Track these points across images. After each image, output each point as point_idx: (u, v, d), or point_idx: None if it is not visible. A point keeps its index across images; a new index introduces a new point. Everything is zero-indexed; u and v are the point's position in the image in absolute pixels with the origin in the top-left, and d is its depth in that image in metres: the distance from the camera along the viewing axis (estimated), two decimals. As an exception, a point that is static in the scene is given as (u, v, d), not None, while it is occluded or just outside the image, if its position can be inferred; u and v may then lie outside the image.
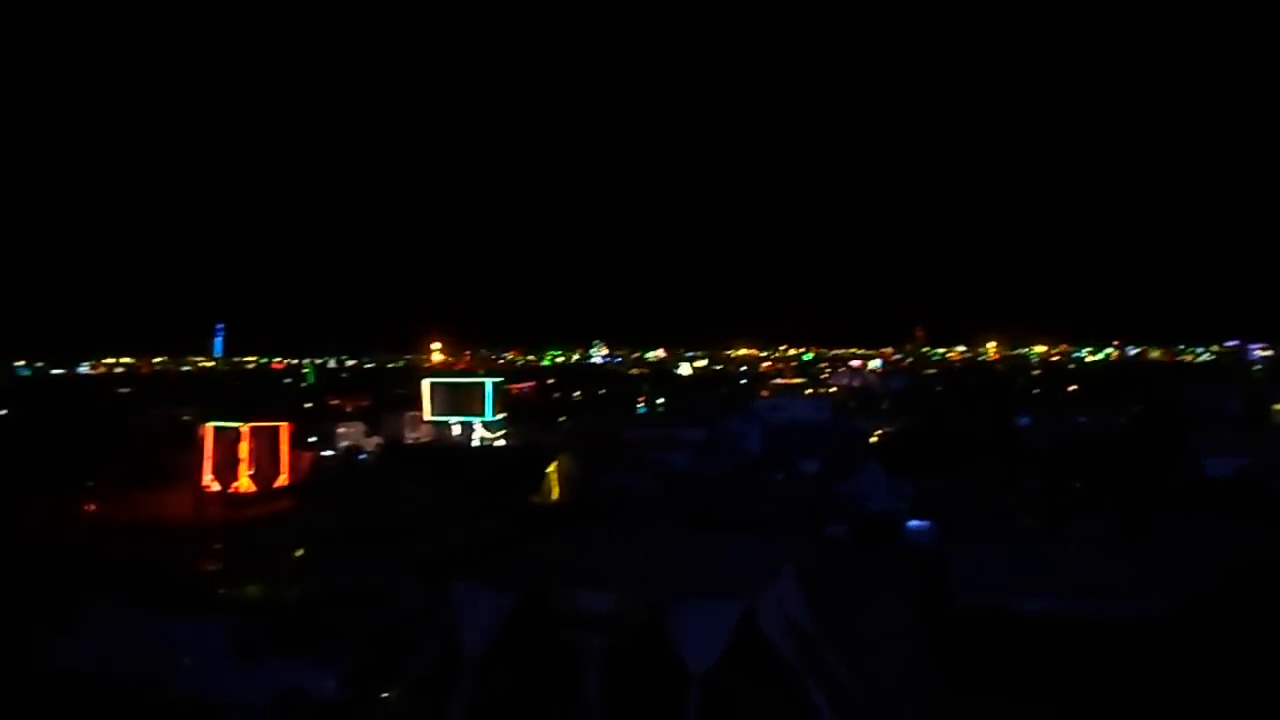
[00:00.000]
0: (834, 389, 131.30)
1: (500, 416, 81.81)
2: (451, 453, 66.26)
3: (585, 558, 25.63)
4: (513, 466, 54.09)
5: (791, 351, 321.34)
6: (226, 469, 58.53)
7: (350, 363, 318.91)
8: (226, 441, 59.03)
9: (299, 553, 38.10)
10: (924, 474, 49.37)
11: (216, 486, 57.52)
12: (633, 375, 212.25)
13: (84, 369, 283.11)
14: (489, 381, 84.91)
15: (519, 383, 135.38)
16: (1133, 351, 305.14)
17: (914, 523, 42.17)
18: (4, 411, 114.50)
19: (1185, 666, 22.48)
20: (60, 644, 26.00)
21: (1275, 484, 42.41)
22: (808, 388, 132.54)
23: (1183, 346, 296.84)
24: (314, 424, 75.97)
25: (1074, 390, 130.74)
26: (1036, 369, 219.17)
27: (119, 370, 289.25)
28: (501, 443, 76.49)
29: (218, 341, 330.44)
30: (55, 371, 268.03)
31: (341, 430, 74.86)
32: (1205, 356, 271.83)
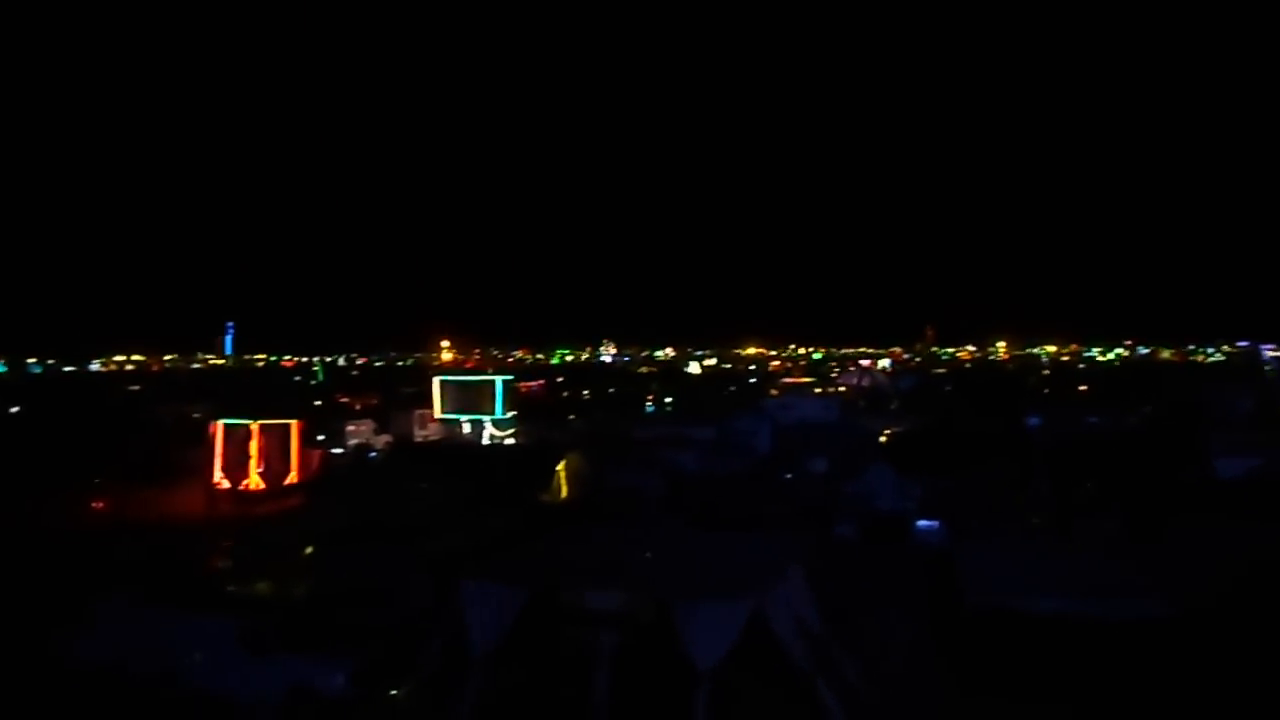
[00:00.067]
0: (843, 388, 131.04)
1: (510, 415, 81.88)
2: (461, 451, 66.41)
3: (594, 556, 25.64)
4: (522, 464, 54.19)
5: (801, 350, 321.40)
6: (236, 466, 58.64)
7: (360, 361, 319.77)
8: (236, 439, 59.13)
9: (308, 550, 38.21)
10: (933, 474, 49.27)
11: (226, 484, 57.64)
12: (641, 374, 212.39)
13: (95, 366, 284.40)
14: (499, 379, 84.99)
15: (528, 381, 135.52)
16: (1143, 351, 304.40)
17: (923, 522, 42.07)
18: (16, 408, 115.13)
19: (1195, 667, 22.41)
20: (72, 639, 26.13)
21: (1287, 485, 42.19)
22: (817, 387, 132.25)
23: (1193, 347, 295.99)
24: (324, 422, 76.10)
25: (1084, 390, 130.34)
26: (1047, 369, 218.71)
27: (129, 367, 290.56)
28: (511, 441, 76.55)
29: (228, 339, 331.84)
30: (66, 368, 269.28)
31: (351, 428, 74.97)
32: (1216, 357, 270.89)
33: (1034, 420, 75.77)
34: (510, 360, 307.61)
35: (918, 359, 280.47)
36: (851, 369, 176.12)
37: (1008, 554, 31.44)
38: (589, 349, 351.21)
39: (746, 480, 52.58)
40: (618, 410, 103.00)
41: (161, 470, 59.68)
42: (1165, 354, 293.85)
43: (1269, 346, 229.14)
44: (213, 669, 23.90)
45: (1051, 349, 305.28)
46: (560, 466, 52.12)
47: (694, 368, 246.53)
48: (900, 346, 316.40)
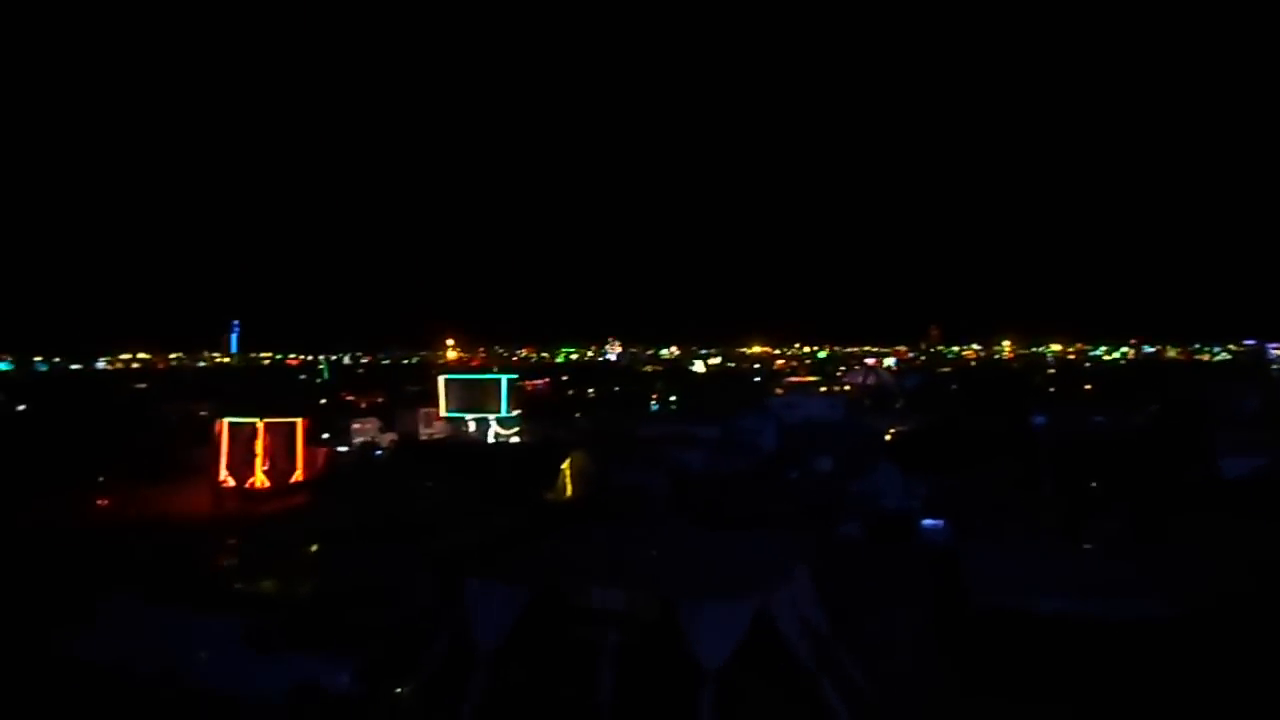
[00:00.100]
0: (848, 387, 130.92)
1: (515, 413, 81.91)
2: (466, 449, 66.37)
3: (599, 555, 25.64)
4: (527, 463, 54.11)
5: (806, 349, 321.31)
6: (242, 464, 58.71)
7: (365, 359, 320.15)
8: (242, 437, 59.22)
9: (313, 548, 38.26)
10: (939, 473, 49.20)
11: (232, 482, 57.73)
12: (647, 372, 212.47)
13: (101, 364, 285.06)
14: (504, 378, 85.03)
15: (533, 380, 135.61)
16: (1149, 350, 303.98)
17: (928, 521, 42.03)
18: (22, 406, 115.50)
19: (1200, 668, 22.37)
20: (76, 638, 26.19)
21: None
22: (822, 386, 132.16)
23: (1199, 346, 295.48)
24: (329, 420, 76.19)
25: (1090, 389, 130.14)
26: (1052, 368, 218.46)
27: (135, 366, 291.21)
28: (516, 439, 76.57)
29: (233, 338, 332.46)
30: (73, 367, 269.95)
31: (356, 426, 75.06)
32: (1222, 356, 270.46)
33: (1039, 419, 75.64)
34: (515, 359, 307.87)
35: (923, 358, 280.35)
36: (857, 368, 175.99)
37: (1013, 554, 31.40)
38: (594, 347, 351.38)
39: (751, 479, 52.54)
40: (623, 409, 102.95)
41: (167, 468, 59.88)
42: (1171, 353, 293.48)
43: (1275, 345, 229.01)
44: (217, 667, 23.94)
45: (1057, 348, 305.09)
46: (565, 465, 52.12)
47: (699, 366, 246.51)
48: (905, 345, 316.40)
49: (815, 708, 21.10)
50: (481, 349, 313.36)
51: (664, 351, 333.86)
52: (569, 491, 51.28)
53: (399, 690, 23.36)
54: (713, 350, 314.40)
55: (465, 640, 22.36)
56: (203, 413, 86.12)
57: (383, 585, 30.16)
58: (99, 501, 50.17)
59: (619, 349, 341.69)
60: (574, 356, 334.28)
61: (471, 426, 79.97)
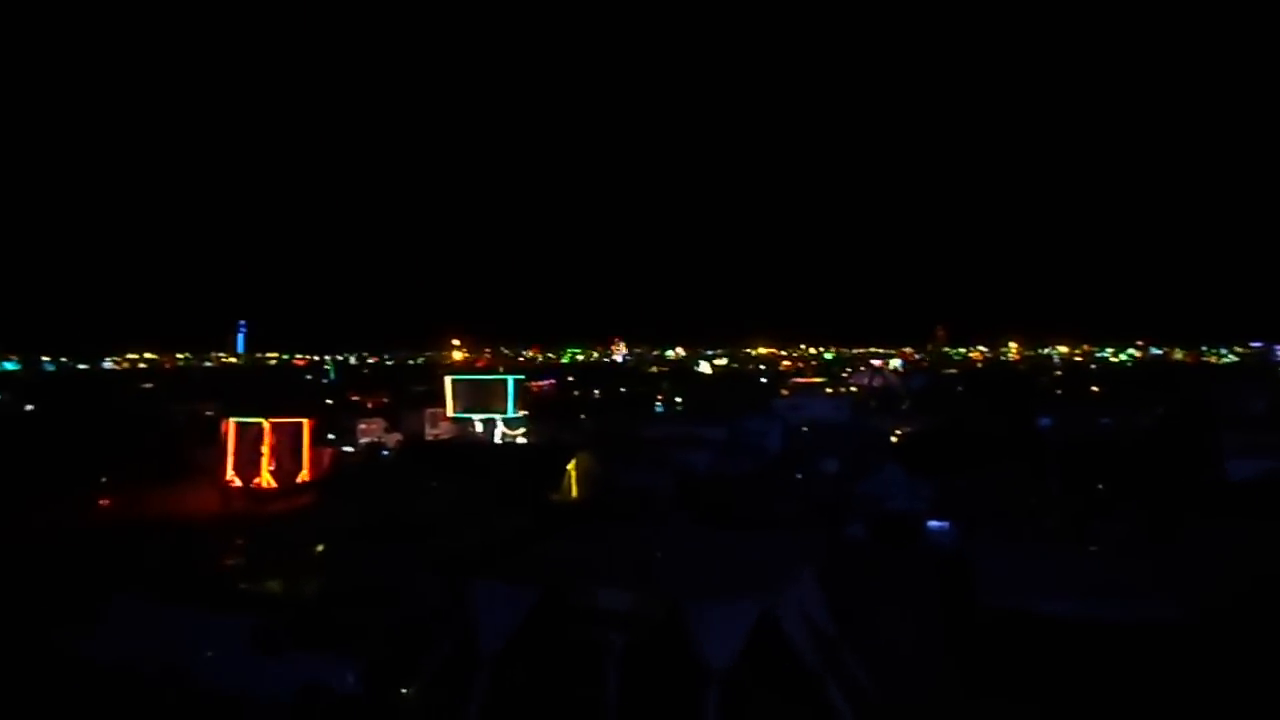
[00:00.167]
0: (854, 388, 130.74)
1: (521, 414, 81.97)
2: (472, 449, 66.41)
3: (605, 555, 25.64)
4: (533, 463, 54.13)
5: (812, 350, 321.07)
6: (248, 464, 58.84)
7: (371, 359, 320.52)
8: (248, 437, 59.33)
9: (319, 548, 38.32)
10: (945, 474, 49.13)
11: (238, 482, 57.84)
12: (652, 373, 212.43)
13: (108, 364, 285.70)
14: (511, 379, 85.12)
15: (539, 380, 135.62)
16: (1156, 352, 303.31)
17: (934, 523, 41.96)
18: (30, 406, 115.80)
19: (1209, 671, 22.31)
20: (81, 638, 26.23)
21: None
22: (828, 387, 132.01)
23: (1206, 347, 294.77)
24: (335, 420, 76.28)
25: (1097, 391, 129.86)
26: (1059, 369, 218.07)
27: (142, 366, 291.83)
28: (523, 440, 76.61)
29: (240, 338, 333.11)
30: (80, 367, 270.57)
31: (362, 426, 75.16)
32: (1229, 358, 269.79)
33: (1045, 421, 75.54)
34: (521, 359, 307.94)
35: (929, 359, 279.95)
36: (863, 369, 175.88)
37: (1019, 555, 31.32)
38: (600, 348, 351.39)
39: (757, 480, 52.52)
40: (628, 410, 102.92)
41: (174, 468, 59.95)
42: (1178, 355, 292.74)
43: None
44: (223, 667, 23.97)
45: (1064, 349, 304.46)
46: (571, 466, 52.12)
47: (705, 367, 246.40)
48: (911, 346, 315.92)
49: (820, 709, 21.08)
50: (487, 349, 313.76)
51: (670, 352, 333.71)
52: (574, 492, 51.29)
53: (404, 691, 23.38)
54: (719, 351, 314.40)
55: (470, 641, 22.37)
56: (209, 413, 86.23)
57: (388, 586, 30.19)
58: (100, 502, 50.20)
59: (624, 350, 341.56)
60: (580, 357, 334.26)
61: (478, 427, 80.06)
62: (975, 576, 28.51)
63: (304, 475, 59.27)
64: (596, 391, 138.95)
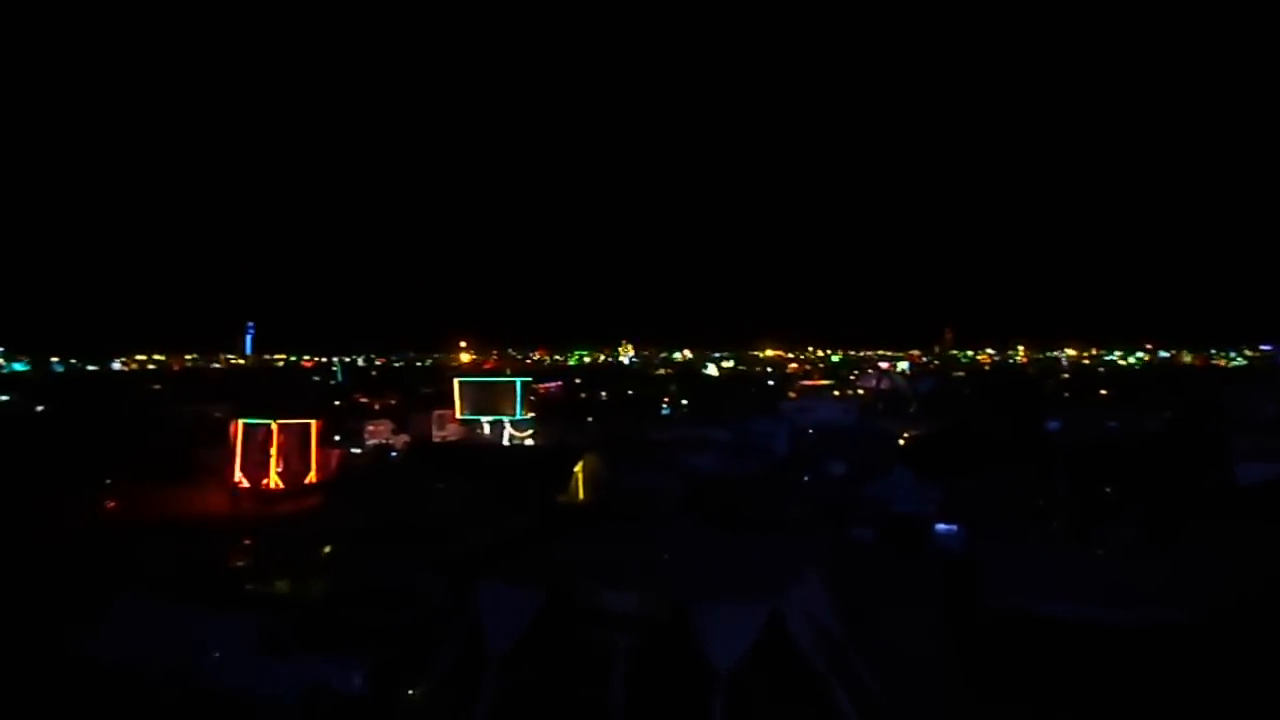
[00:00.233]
0: (861, 391, 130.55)
1: (529, 416, 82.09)
2: (479, 451, 66.48)
3: (611, 557, 25.69)
4: (540, 465, 54.15)
5: (819, 353, 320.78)
6: (256, 465, 58.95)
7: (379, 361, 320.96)
8: (256, 438, 59.46)
9: (327, 549, 38.36)
10: (952, 477, 49.04)
11: (246, 483, 57.95)
12: (659, 375, 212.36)
13: (117, 365, 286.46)
14: (519, 381, 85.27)
15: (546, 383, 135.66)
16: (1165, 355, 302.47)
17: (941, 526, 41.88)
18: (40, 407, 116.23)
19: (1215, 674, 22.25)
20: (88, 637, 26.30)
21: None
22: (835, 389, 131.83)
23: (1215, 351, 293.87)
24: (342, 421, 76.42)
25: (1105, 394, 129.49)
26: (1066, 372, 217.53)
27: (151, 367, 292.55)
28: (530, 442, 76.70)
29: (248, 339, 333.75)
30: (89, 368, 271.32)
31: (370, 428, 75.28)
32: (1238, 361, 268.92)
33: (1054, 424, 75.40)
34: (528, 361, 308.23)
35: (936, 362, 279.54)
36: (870, 371, 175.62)
37: (1026, 558, 31.24)
38: (607, 350, 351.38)
39: (764, 482, 52.49)
40: (635, 412, 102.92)
41: (182, 469, 60.09)
42: (1187, 358, 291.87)
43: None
44: (230, 667, 24.02)
45: (1071, 352, 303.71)
46: (578, 468, 52.14)
47: (712, 369, 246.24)
48: (919, 349, 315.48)
49: (826, 710, 21.09)
50: (494, 351, 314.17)
51: (677, 354, 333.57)
52: (581, 494, 51.30)
53: (411, 692, 23.42)
54: (726, 353, 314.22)
55: (478, 642, 22.42)
56: (217, 414, 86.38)
57: (395, 587, 30.22)
58: (108, 503, 50.31)
59: (631, 351, 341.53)
60: (586, 359, 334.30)
61: (486, 429, 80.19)
62: (981, 579, 28.48)
63: (311, 476, 59.37)
64: (603, 394, 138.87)
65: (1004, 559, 30.51)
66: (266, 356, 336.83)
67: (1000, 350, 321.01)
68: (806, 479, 53.93)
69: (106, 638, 25.94)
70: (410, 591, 29.69)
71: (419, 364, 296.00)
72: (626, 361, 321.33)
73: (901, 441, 69.22)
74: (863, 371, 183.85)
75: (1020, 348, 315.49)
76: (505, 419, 79.75)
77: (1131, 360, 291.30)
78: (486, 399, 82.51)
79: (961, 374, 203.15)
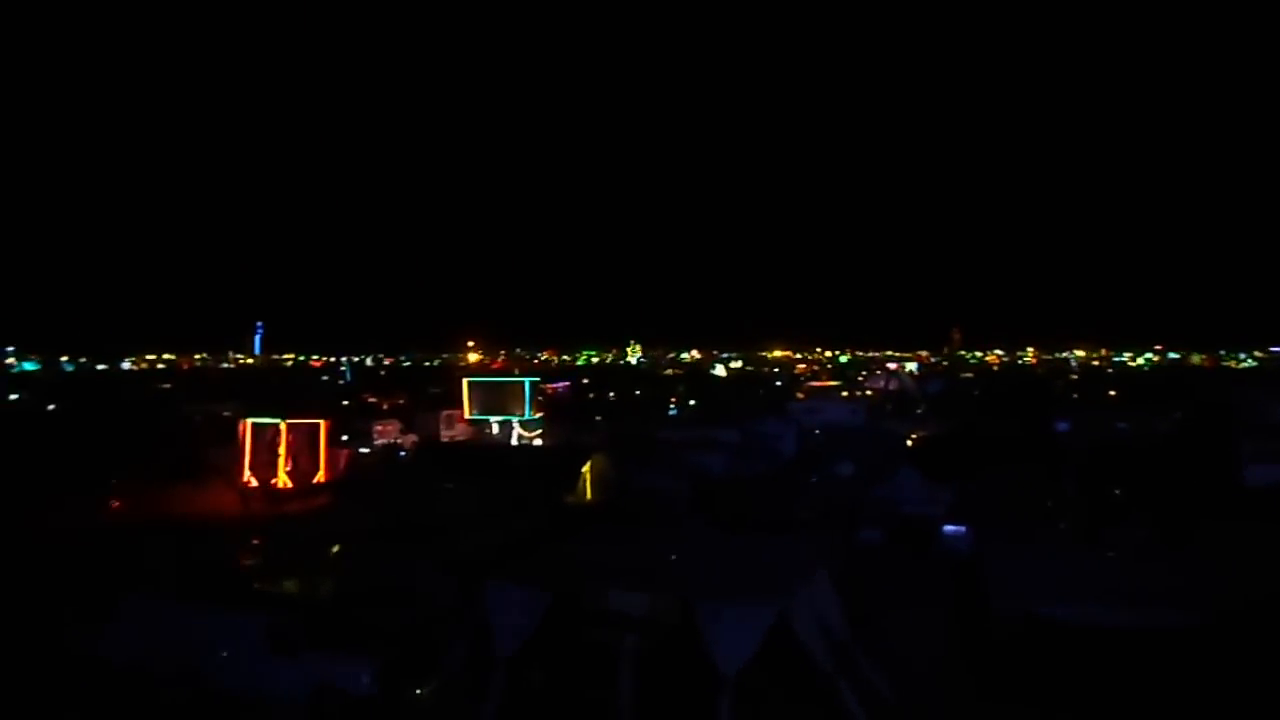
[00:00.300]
0: (870, 391, 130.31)
1: (537, 416, 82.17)
2: (487, 451, 66.57)
3: (619, 558, 25.69)
4: (548, 466, 54.20)
5: (827, 353, 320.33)
6: (264, 465, 59.09)
7: (387, 361, 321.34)
8: (265, 437, 59.58)
9: (335, 549, 38.43)
10: (960, 478, 48.96)
11: (254, 482, 58.07)
12: (667, 376, 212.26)
13: (126, 365, 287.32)
14: (528, 381, 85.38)
15: (554, 383, 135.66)
16: (1174, 356, 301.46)
17: (950, 527, 41.81)
18: (51, 406, 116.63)
19: (1224, 677, 22.17)
20: (97, 635, 26.37)
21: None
22: (843, 390, 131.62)
23: (1225, 352, 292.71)
24: (351, 421, 76.52)
25: (1114, 395, 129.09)
26: (1076, 373, 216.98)
27: (160, 366, 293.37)
28: (538, 442, 76.76)
29: (257, 339, 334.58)
30: (99, 367, 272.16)
31: (378, 428, 75.38)
32: (1248, 362, 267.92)
33: (1063, 425, 75.22)
34: (536, 361, 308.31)
35: (945, 362, 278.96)
36: (878, 372, 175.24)
37: (1036, 560, 31.18)
38: (615, 350, 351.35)
39: (772, 483, 52.44)
40: (643, 412, 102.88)
41: (190, 468, 60.20)
42: (1196, 359, 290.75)
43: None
44: (238, 667, 24.06)
45: (1081, 353, 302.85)
46: (586, 468, 52.16)
47: (720, 370, 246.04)
48: (927, 350, 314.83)
49: (834, 712, 21.07)
50: (503, 351, 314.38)
51: (685, 355, 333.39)
52: (589, 495, 51.33)
53: (419, 692, 23.45)
54: (734, 354, 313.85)
55: (485, 643, 22.44)
56: (226, 413, 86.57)
57: (403, 587, 30.28)
58: (113, 503, 50.43)
59: (640, 352, 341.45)
60: (595, 359, 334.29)
61: (495, 429, 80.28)
62: (990, 581, 28.42)
63: (320, 476, 59.51)
64: (612, 394, 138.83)
65: (1012, 560, 30.45)
66: (275, 356, 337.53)
67: (1009, 351, 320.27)
68: (814, 480, 53.86)
69: (114, 637, 26.00)
70: (418, 591, 29.75)
71: (427, 364, 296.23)
72: (635, 362, 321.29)
73: (910, 442, 69.12)
74: (871, 372, 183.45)
75: (1029, 348, 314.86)
76: (514, 419, 79.84)
77: (1141, 361, 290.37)
78: (495, 399, 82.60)
79: (970, 375, 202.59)
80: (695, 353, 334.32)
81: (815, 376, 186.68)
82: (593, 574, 24.14)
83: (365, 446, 70.11)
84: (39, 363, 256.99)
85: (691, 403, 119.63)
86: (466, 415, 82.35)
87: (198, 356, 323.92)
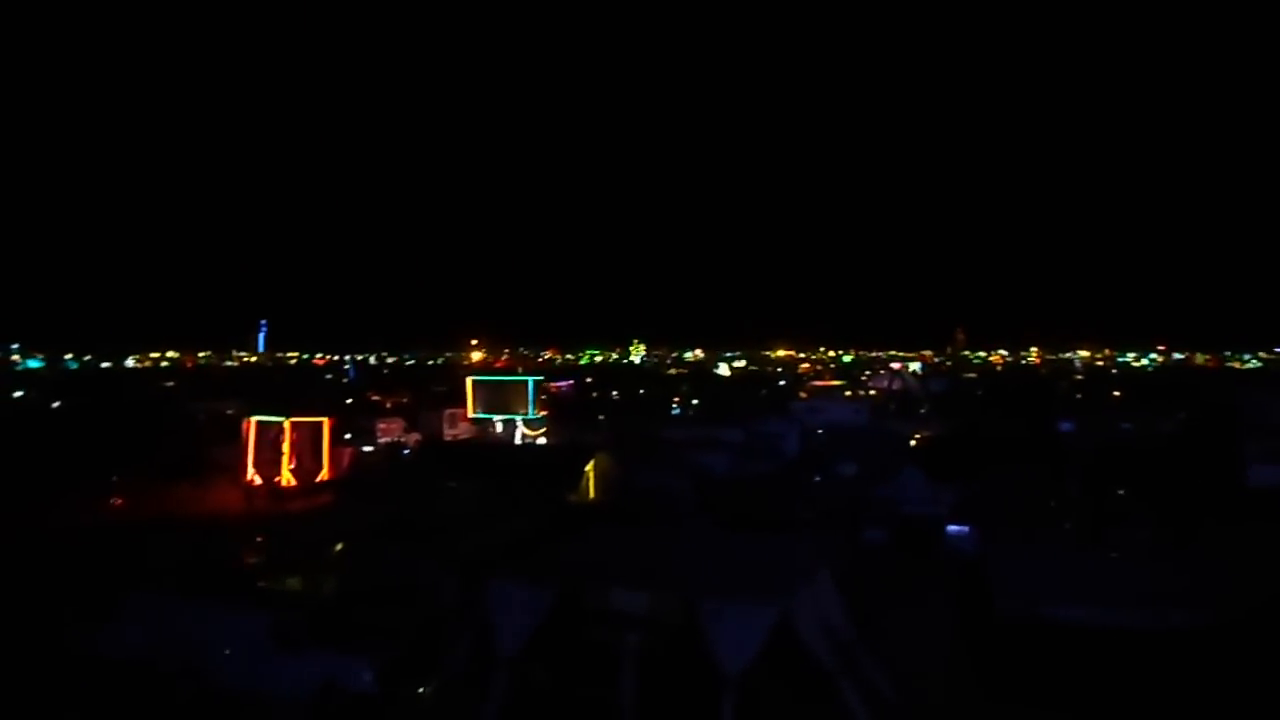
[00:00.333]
0: (873, 391, 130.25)
1: (541, 415, 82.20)
2: (490, 450, 66.62)
3: (622, 557, 25.69)
4: (551, 465, 54.21)
5: (831, 353, 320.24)
6: (268, 463, 59.16)
7: (391, 360, 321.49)
8: (268, 436, 59.67)
9: (338, 547, 38.43)
10: (964, 478, 48.89)
11: (258, 480, 58.14)
12: (671, 375, 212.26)
13: (130, 362, 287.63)
14: (531, 380, 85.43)
15: (557, 382, 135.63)
16: (1178, 357, 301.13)
17: (953, 527, 41.77)
18: (56, 403, 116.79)
19: (1229, 678, 22.15)
20: (101, 632, 26.39)
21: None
22: (846, 390, 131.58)
23: (1229, 353, 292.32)
24: (355, 420, 76.59)
25: (1118, 396, 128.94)
26: (1080, 373, 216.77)
27: (164, 364, 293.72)
28: (542, 441, 76.82)
29: (261, 337, 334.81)
30: (103, 364, 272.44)
31: (382, 426, 75.46)
32: (1253, 363, 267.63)
33: (1066, 425, 75.13)
34: (540, 360, 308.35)
35: (948, 362, 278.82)
36: (882, 372, 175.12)
37: (1038, 560, 31.17)
38: (618, 349, 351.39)
39: (775, 483, 52.39)
40: (647, 412, 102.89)
41: (195, 466, 60.29)
42: (1200, 360, 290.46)
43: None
44: (242, 664, 24.08)
45: (1085, 354, 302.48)
46: (589, 467, 52.16)
47: (723, 369, 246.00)
48: (931, 350, 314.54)
49: (837, 711, 21.05)
50: (506, 350, 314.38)
51: (688, 354, 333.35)
52: (592, 493, 51.33)
53: (422, 690, 23.46)
54: (737, 353, 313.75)
55: (488, 641, 22.45)
56: (230, 411, 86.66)
57: (406, 585, 30.26)
58: (116, 501, 50.49)
59: (644, 351, 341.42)
60: (598, 358, 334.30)
61: (499, 428, 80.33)
62: (993, 581, 28.41)
63: (324, 474, 59.57)
64: (615, 393, 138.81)
65: (1016, 561, 30.43)
66: (279, 354, 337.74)
67: (1013, 351, 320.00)
68: (817, 480, 53.84)
69: (118, 634, 26.02)
70: (421, 590, 29.73)
71: (431, 362, 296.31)
72: (638, 361, 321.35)
73: (913, 442, 69.07)
74: (874, 372, 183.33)
75: (1033, 348, 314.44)
76: (517, 418, 79.90)
77: (1145, 362, 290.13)
78: (499, 398, 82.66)
79: (974, 375, 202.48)
80: (699, 352, 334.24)
81: (818, 376, 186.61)
82: (595, 573, 24.14)
83: (369, 445, 70.19)
84: (43, 360, 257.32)
85: (694, 402, 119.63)
86: (470, 414, 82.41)
87: (202, 354, 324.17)
